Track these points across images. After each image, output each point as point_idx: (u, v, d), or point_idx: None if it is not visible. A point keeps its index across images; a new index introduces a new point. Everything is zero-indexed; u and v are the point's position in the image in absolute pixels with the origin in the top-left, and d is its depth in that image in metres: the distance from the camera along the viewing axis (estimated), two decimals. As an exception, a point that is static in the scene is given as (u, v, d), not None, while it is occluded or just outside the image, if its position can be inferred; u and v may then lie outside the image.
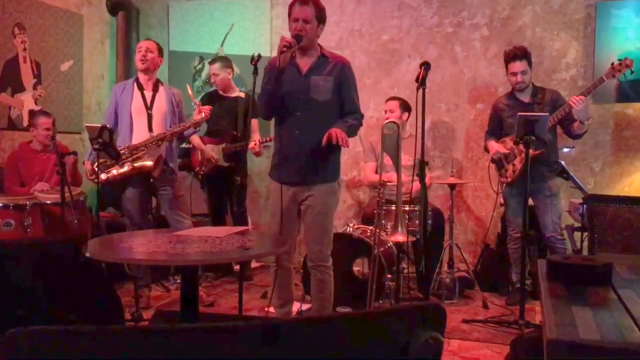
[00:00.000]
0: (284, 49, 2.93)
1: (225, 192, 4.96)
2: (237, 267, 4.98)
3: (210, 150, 4.74)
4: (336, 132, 2.94)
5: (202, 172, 4.80)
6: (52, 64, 5.24)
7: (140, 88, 4.04)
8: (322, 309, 3.24)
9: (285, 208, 3.17)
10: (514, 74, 4.17)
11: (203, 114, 3.94)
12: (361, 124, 3.26)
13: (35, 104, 5.02)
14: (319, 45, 3.18)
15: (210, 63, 4.99)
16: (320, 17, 3.09)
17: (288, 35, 3.09)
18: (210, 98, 4.83)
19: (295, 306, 3.72)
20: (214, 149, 4.76)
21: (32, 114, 4.63)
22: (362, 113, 3.25)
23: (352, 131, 3.15)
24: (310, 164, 3.10)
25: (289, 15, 3.09)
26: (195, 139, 4.70)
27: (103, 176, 3.78)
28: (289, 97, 3.11)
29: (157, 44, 4.14)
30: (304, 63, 3.14)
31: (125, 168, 3.84)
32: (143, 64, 4.02)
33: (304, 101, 3.10)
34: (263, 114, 3.27)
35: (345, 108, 3.18)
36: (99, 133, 3.41)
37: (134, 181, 3.97)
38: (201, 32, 5.91)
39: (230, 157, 4.74)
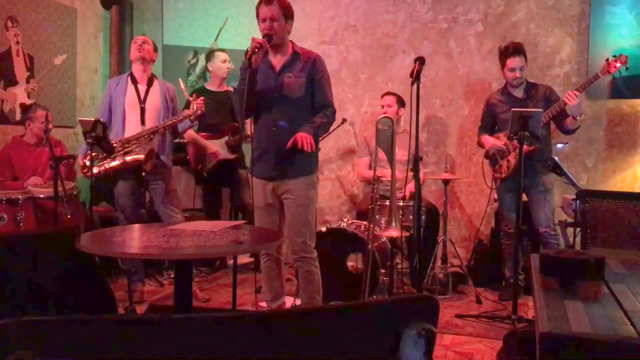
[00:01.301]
0: (256, 49, 2.97)
1: (223, 186, 4.96)
2: (231, 262, 4.97)
3: (213, 145, 4.71)
4: (302, 137, 2.98)
5: (206, 170, 4.73)
6: (46, 57, 5.21)
7: (134, 82, 4.03)
8: (311, 301, 3.27)
9: (269, 202, 3.23)
10: (513, 69, 4.17)
11: (195, 105, 3.94)
12: (333, 119, 3.29)
13: (28, 97, 4.98)
14: (290, 42, 3.23)
15: (222, 50, 5.02)
16: (287, 14, 3.14)
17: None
18: (200, 93, 4.78)
19: (289, 301, 3.72)
20: (215, 144, 4.72)
21: (28, 107, 4.60)
22: (334, 107, 3.28)
23: (322, 129, 3.22)
24: (288, 159, 3.14)
25: (257, 16, 3.12)
26: (192, 134, 4.66)
27: (95, 170, 3.76)
28: (264, 95, 3.16)
29: (153, 42, 4.18)
30: (277, 61, 3.20)
31: (117, 162, 3.82)
32: (140, 52, 4.02)
33: (279, 99, 3.15)
34: (241, 113, 3.30)
35: (316, 103, 3.21)
36: (92, 127, 3.41)
37: (126, 175, 3.95)
38: (195, 26, 5.89)
39: (234, 149, 4.74)
